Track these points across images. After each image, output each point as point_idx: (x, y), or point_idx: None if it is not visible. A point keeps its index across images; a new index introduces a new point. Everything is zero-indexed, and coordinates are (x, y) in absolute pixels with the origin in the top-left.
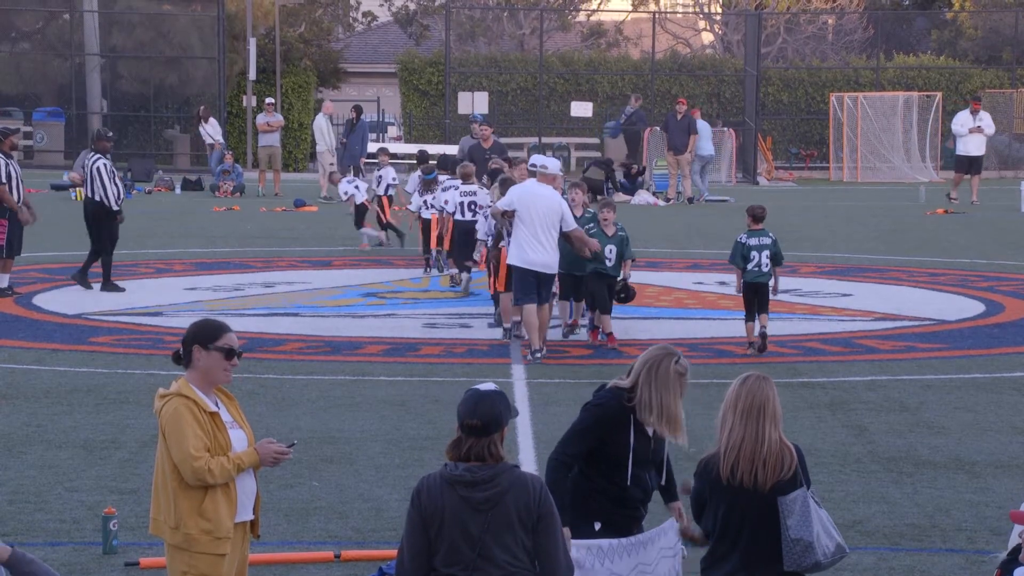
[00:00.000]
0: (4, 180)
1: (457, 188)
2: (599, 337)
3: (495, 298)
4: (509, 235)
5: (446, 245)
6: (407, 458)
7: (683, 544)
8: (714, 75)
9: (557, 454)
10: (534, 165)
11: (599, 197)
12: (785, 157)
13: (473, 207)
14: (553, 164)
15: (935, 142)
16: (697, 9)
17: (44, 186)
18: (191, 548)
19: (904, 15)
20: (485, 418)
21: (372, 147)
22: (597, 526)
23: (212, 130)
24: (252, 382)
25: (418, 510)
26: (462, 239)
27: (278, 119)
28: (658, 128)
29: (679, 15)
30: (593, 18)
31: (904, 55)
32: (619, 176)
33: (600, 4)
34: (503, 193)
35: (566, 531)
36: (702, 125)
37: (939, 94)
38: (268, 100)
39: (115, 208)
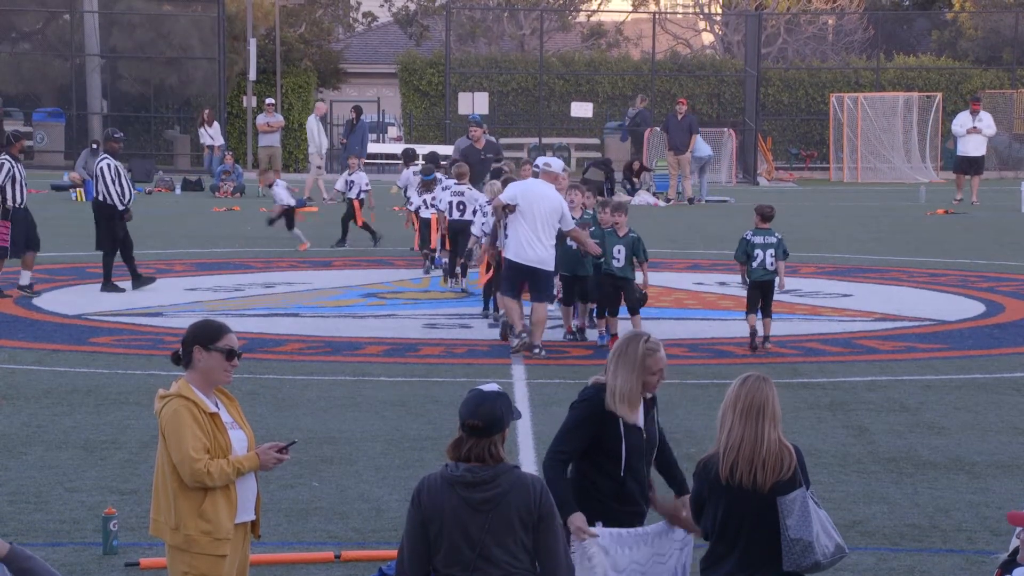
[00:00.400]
0: (3, 182)
1: (446, 190)
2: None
3: (485, 292)
4: (507, 236)
5: (446, 245)
6: (407, 458)
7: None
8: (714, 76)
9: (550, 453)
10: (538, 166)
11: (612, 199)
12: (785, 158)
13: (462, 207)
14: (556, 163)
15: (935, 143)
16: (697, 10)
17: (44, 187)
18: (191, 549)
19: (904, 16)
20: (486, 419)
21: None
22: (598, 525)
23: (213, 132)
24: (252, 382)
25: (418, 510)
26: (452, 238)
27: (278, 119)
28: (658, 128)
29: (679, 15)
30: (593, 18)
31: (904, 56)
32: (619, 176)
33: (600, 4)
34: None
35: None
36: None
37: (939, 95)
38: (268, 100)
39: (120, 207)
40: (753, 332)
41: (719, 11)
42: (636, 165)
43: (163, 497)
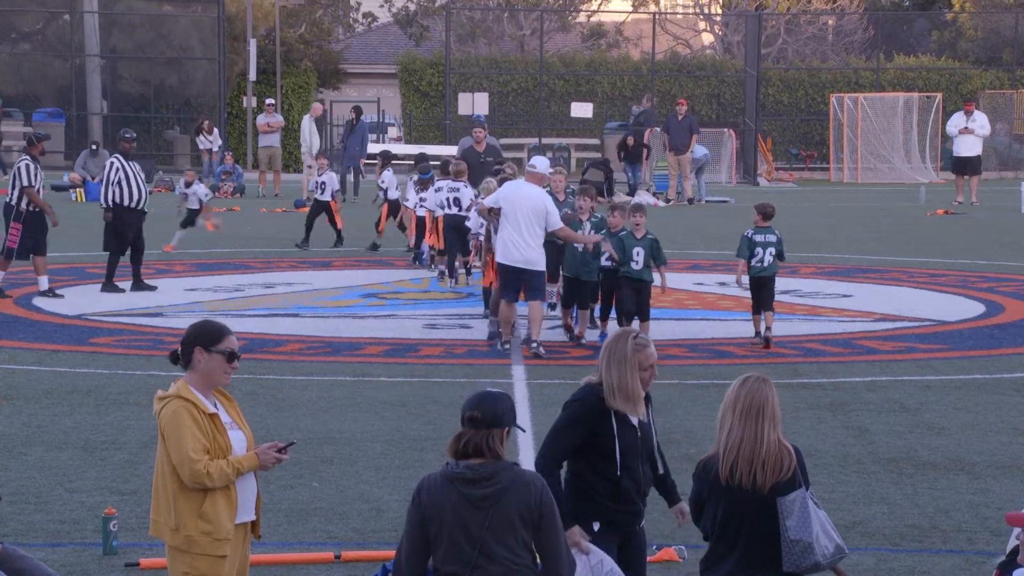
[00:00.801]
0: (34, 183)
1: (439, 191)
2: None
3: (486, 291)
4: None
5: (439, 243)
6: (407, 459)
7: (683, 546)
8: (714, 76)
9: (541, 457)
10: (531, 166)
11: (628, 201)
12: (785, 158)
13: (457, 203)
14: (541, 163)
15: (935, 143)
16: (697, 10)
17: (45, 187)
18: (191, 550)
19: (904, 16)
20: (486, 411)
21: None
22: (596, 526)
23: (212, 138)
24: (252, 383)
25: (418, 509)
26: (449, 234)
27: (278, 120)
28: (658, 129)
29: (679, 16)
30: (593, 19)
31: (904, 56)
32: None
33: (600, 5)
34: None
35: (574, 530)
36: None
37: (939, 95)
38: (268, 101)
39: (125, 206)
40: (757, 332)
41: (719, 11)
42: (630, 141)
43: (163, 498)
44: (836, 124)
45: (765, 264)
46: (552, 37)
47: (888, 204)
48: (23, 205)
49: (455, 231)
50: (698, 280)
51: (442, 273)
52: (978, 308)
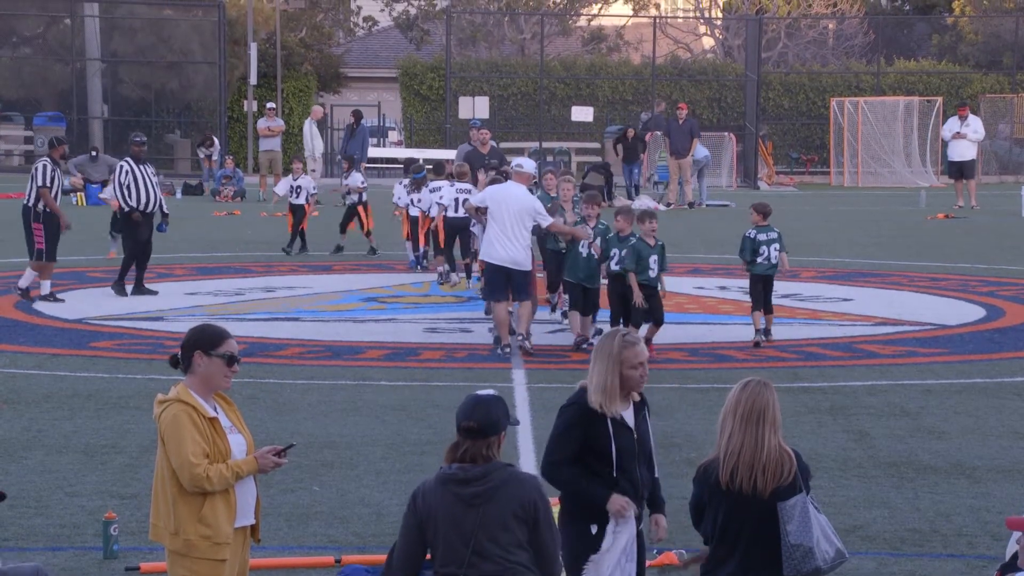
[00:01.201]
0: (49, 184)
1: (452, 186)
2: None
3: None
4: None
5: (440, 242)
6: (408, 463)
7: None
8: (715, 80)
9: (546, 464)
10: (513, 165)
11: (638, 207)
12: (786, 162)
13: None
14: (529, 164)
15: (936, 147)
16: (698, 14)
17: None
18: (191, 554)
19: (905, 20)
20: (481, 421)
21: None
22: (594, 529)
23: (213, 149)
24: (253, 387)
25: (414, 514)
26: (454, 235)
27: (279, 124)
28: (659, 133)
29: (680, 20)
30: (594, 23)
31: (905, 60)
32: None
33: (601, 9)
34: None
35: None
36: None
37: (940, 99)
38: (269, 105)
39: (125, 208)
40: (758, 329)
41: (719, 15)
42: (630, 132)
43: (162, 502)
44: (836, 128)
45: (773, 261)
46: (553, 41)
47: (888, 208)
48: (40, 206)
49: (459, 232)
50: (698, 284)
51: (441, 274)
52: (979, 312)
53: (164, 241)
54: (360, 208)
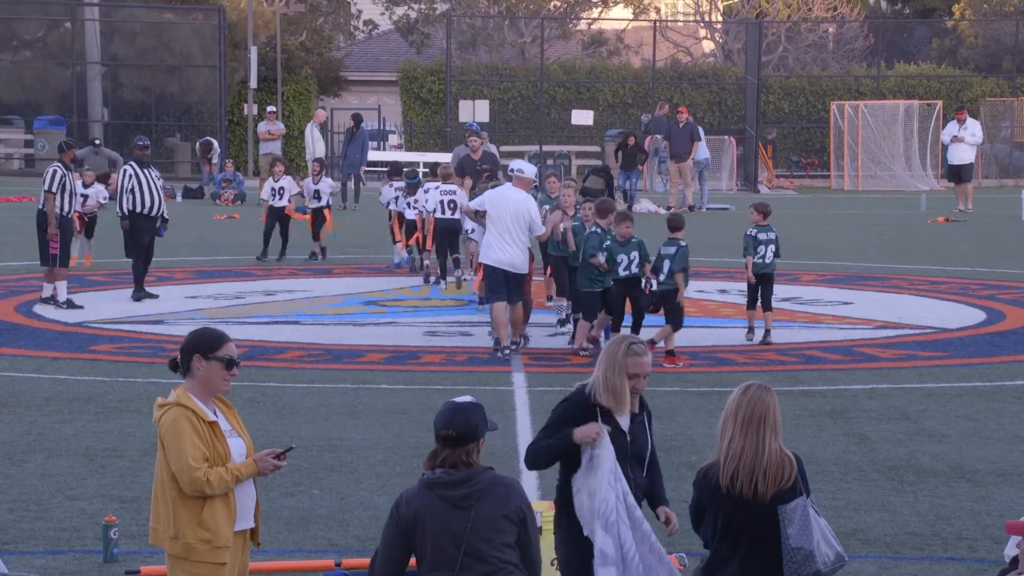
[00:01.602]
0: (54, 189)
1: (437, 188)
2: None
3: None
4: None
5: (428, 244)
6: (408, 466)
7: (684, 553)
8: (715, 83)
9: (528, 448)
10: (512, 170)
11: (671, 217)
12: (786, 165)
13: (452, 205)
14: (529, 169)
15: (936, 150)
16: (698, 17)
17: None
18: (190, 557)
19: (905, 24)
20: (460, 429)
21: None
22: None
23: (213, 153)
24: (253, 390)
25: (397, 522)
26: (443, 236)
27: (279, 127)
28: (659, 136)
29: (680, 23)
30: (594, 26)
31: (905, 64)
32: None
33: (601, 12)
34: None
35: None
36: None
37: (940, 102)
38: (269, 108)
39: (139, 212)
40: (751, 328)
41: (720, 19)
42: (631, 140)
43: (162, 506)
44: (837, 132)
45: (767, 260)
46: (553, 45)
47: (889, 212)
48: (56, 210)
49: (449, 233)
50: (699, 288)
51: (435, 277)
52: (979, 316)
53: (164, 244)
54: (326, 211)
